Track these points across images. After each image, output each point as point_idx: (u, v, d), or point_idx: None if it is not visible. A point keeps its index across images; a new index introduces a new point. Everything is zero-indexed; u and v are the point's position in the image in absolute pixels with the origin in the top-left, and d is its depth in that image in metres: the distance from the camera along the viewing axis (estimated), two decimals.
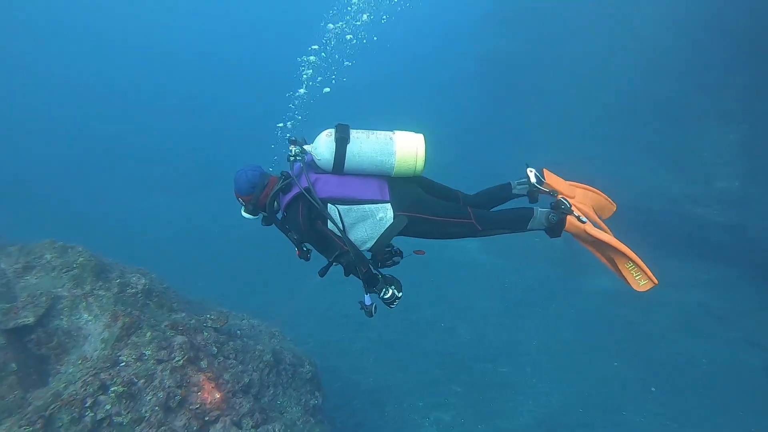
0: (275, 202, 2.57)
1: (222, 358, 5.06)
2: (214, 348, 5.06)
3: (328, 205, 2.42)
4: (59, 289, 4.78)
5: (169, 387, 4.37)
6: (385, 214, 2.45)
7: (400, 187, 2.52)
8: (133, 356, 4.47)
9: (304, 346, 7.38)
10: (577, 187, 2.80)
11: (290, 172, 2.56)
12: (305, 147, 2.54)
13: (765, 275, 10.29)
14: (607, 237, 2.50)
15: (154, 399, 4.27)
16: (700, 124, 11.53)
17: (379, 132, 2.49)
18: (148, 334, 4.64)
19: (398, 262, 2.57)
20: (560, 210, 2.56)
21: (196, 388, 4.53)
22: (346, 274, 2.54)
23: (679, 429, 7.49)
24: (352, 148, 2.41)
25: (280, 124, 4.13)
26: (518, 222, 2.59)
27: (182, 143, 24.82)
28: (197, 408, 4.45)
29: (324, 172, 2.50)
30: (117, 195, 18.61)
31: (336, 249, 2.44)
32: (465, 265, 12.76)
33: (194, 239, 15.19)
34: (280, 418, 5.19)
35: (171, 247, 13.83)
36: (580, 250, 2.74)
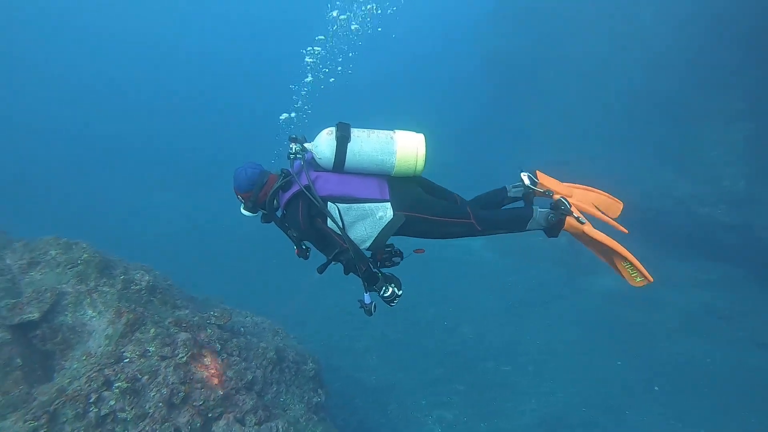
0: (275, 200, 2.57)
1: (225, 355, 5.06)
2: (217, 345, 5.07)
3: (328, 203, 2.42)
4: (64, 285, 4.80)
5: (172, 383, 4.38)
6: (384, 213, 2.45)
7: (399, 186, 2.52)
8: (137, 352, 4.48)
9: (306, 344, 7.39)
10: (575, 188, 2.80)
11: (290, 169, 2.56)
12: (306, 145, 2.54)
13: None
14: (605, 238, 2.52)
15: (158, 395, 4.28)
16: (705, 124, 11.47)
17: (380, 131, 2.49)
18: (152, 330, 4.66)
19: (398, 263, 2.57)
20: (560, 211, 2.57)
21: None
22: (346, 272, 2.54)
23: (683, 429, 7.46)
24: (352, 147, 2.41)
25: (284, 115, 4.12)
26: (517, 222, 2.60)
27: (183, 141, 24.89)
28: (201, 404, 4.46)
29: (324, 170, 2.50)
30: (118, 193, 18.68)
31: (336, 247, 2.44)
32: (468, 264, 12.75)
33: (195, 238, 15.22)
34: (283, 415, 5.19)
35: (172, 245, 13.86)
36: (583, 250, 2.74)
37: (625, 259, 2.52)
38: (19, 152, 21.09)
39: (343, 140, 2.40)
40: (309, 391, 5.87)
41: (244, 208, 2.66)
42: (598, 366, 8.86)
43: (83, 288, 4.81)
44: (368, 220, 2.45)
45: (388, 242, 2.55)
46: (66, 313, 4.66)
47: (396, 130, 2.51)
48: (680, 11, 11.59)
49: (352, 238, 2.44)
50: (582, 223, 2.55)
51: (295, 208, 2.46)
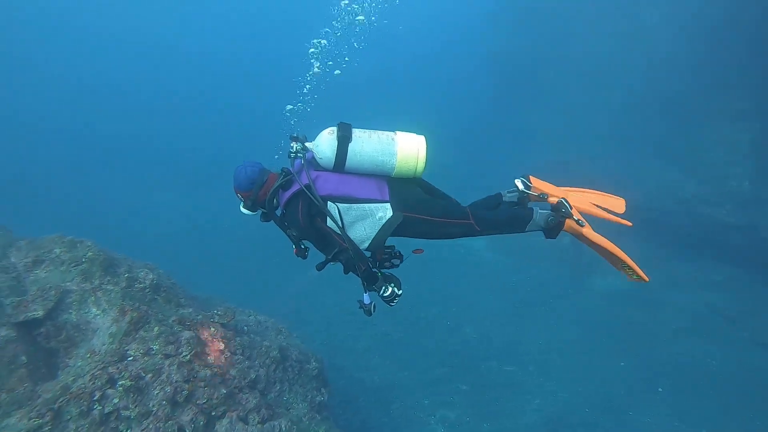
0: (275, 199, 2.57)
1: (229, 354, 5.07)
2: (221, 343, 5.07)
3: (328, 202, 2.43)
4: (68, 283, 4.81)
5: (176, 382, 4.39)
6: (384, 213, 2.46)
7: (399, 187, 2.53)
8: (141, 351, 4.50)
9: (309, 344, 7.39)
10: (570, 191, 2.81)
11: (291, 168, 2.55)
12: (306, 144, 2.54)
13: None
14: (603, 241, 2.55)
15: (162, 393, 4.29)
16: (709, 124, 11.41)
17: (381, 132, 2.50)
18: (156, 328, 4.67)
19: (397, 265, 2.57)
20: (560, 213, 2.58)
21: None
22: (346, 271, 2.54)
23: (687, 430, 7.43)
24: (353, 147, 2.42)
25: (289, 106, 4.12)
26: (517, 223, 2.60)
27: (184, 141, 24.93)
28: (204, 403, 4.47)
29: (324, 169, 2.51)
30: (118, 193, 18.69)
31: (335, 246, 2.44)
32: (471, 263, 12.74)
33: (195, 238, 15.23)
34: (286, 414, 5.19)
35: (173, 245, 13.86)
36: (586, 250, 2.75)
37: (623, 261, 2.57)
38: (20, 152, 21.15)
39: (344, 140, 2.41)
40: (312, 390, 5.87)
41: (243, 207, 2.66)
42: (601, 366, 8.84)
43: (87, 286, 4.83)
44: (368, 220, 2.45)
45: (389, 244, 2.56)
46: (70, 311, 4.68)
47: (397, 132, 2.51)
48: (684, 11, 11.53)
49: (351, 238, 2.44)
50: (581, 225, 2.56)
51: (295, 207, 2.47)
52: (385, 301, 2.50)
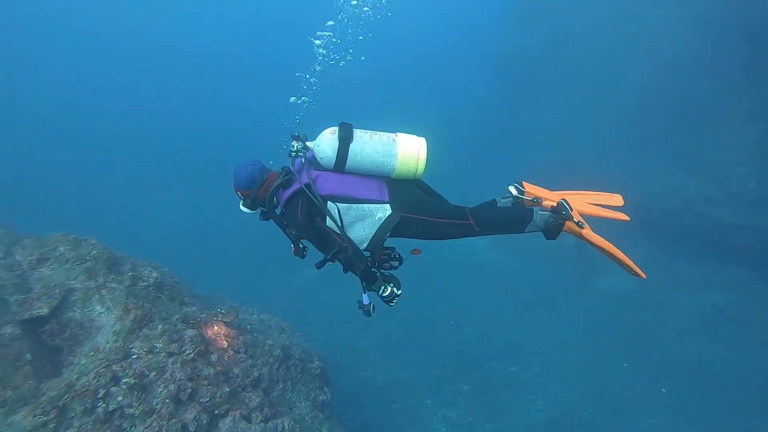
0: (274, 198, 2.57)
1: (232, 352, 5.08)
2: (224, 342, 5.08)
3: (328, 202, 2.43)
4: (72, 281, 4.83)
5: (179, 380, 4.41)
6: (383, 214, 2.46)
7: (399, 188, 2.53)
8: (145, 349, 4.51)
9: (311, 343, 7.40)
10: (565, 194, 2.82)
11: (291, 167, 2.56)
12: (307, 143, 2.54)
13: None
14: (602, 242, 2.58)
15: (165, 391, 4.30)
16: (716, 124, 11.34)
17: (382, 133, 2.50)
18: (160, 327, 4.69)
19: (396, 267, 2.57)
20: (560, 215, 2.58)
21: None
22: (345, 271, 2.55)
23: (690, 431, 7.39)
24: (354, 148, 2.42)
25: (293, 98, 4.11)
26: (517, 224, 2.61)
27: (185, 140, 24.97)
28: (207, 401, 4.48)
29: (325, 169, 2.51)
30: (119, 193, 18.74)
31: (334, 246, 2.44)
32: (473, 263, 12.73)
33: (195, 237, 15.25)
34: (289, 413, 5.20)
35: (173, 245, 13.84)
36: (590, 250, 2.75)
37: (622, 261, 2.61)
38: (20, 152, 21.24)
39: (345, 140, 2.41)
40: (315, 389, 5.88)
41: (243, 205, 2.66)
42: (605, 366, 8.81)
43: (92, 284, 4.85)
44: (367, 220, 2.46)
45: (389, 245, 2.56)
46: (74, 309, 4.70)
47: (398, 133, 2.52)
48: (692, 11, 11.45)
49: (350, 237, 2.44)
50: (581, 227, 2.58)
51: (294, 206, 2.47)
52: (384, 301, 2.50)
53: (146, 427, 4.10)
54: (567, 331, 9.91)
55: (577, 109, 14.85)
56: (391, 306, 2.53)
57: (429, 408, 7.92)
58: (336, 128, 2.46)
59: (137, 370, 4.29)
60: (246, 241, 13.79)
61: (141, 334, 4.62)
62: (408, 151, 2.45)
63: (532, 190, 2.76)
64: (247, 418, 4.70)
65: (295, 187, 2.47)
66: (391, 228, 2.46)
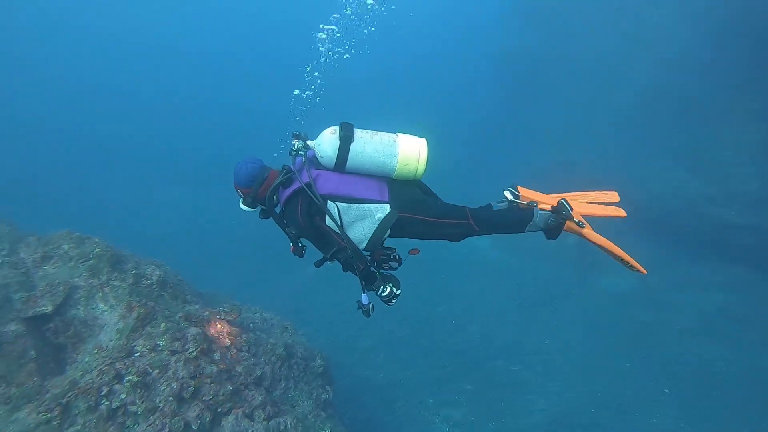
0: (275, 196, 2.57)
1: (235, 351, 5.09)
2: (227, 340, 5.09)
3: (328, 201, 2.43)
4: (76, 279, 4.85)
5: (182, 378, 4.42)
6: (383, 214, 2.46)
7: (399, 188, 2.53)
8: (148, 347, 4.53)
9: (313, 342, 7.41)
10: (560, 197, 2.82)
11: (291, 166, 2.56)
12: (308, 142, 2.54)
13: None
14: (603, 241, 2.60)
15: (168, 389, 4.31)
16: (719, 124, 11.30)
17: (383, 133, 2.50)
18: (163, 325, 4.70)
19: (395, 268, 2.57)
20: (561, 215, 2.58)
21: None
22: (344, 270, 2.55)
23: (693, 431, 7.37)
24: (355, 148, 2.41)
25: (297, 91, 4.11)
26: (516, 224, 2.61)
27: (186, 140, 24.98)
28: (210, 399, 4.49)
29: (325, 168, 2.51)
30: (119, 192, 18.76)
31: (334, 245, 2.44)
32: (475, 262, 12.70)
33: (195, 237, 15.25)
34: (291, 411, 5.21)
35: (173, 245, 13.83)
36: (593, 250, 2.76)
37: (623, 259, 2.64)
38: (21, 152, 21.29)
39: (346, 140, 2.41)
40: (317, 388, 5.89)
41: (243, 203, 2.66)
42: (608, 366, 8.78)
43: (95, 282, 4.86)
44: (367, 220, 2.45)
45: (390, 246, 2.57)
46: (78, 306, 4.71)
47: (399, 133, 2.52)
48: (693, 10, 11.42)
49: (350, 237, 2.45)
50: (581, 226, 2.58)
51: (294, 205, 2.47)
52: (383, 300, 2.50)
53: (149, 425, 4.11)
54: (569, 331, 9.88)
55: (578, 109, 14.82)
56: (390, 306, 2.54)
57: (431, 407, 7.92)
58: (337, 128, 2.46)
59: (140, 368, 4.31)
60: (246, 240, 13.80)
61: (144, 332, 4.64)
62: (408, 151, 2.45)
63: (527, 194, 2.77)
64: (250, 417, 4.72)
65: (295, 186, 2.47)
66: (390, 227, 2.46)
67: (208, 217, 16.67)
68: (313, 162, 2.54)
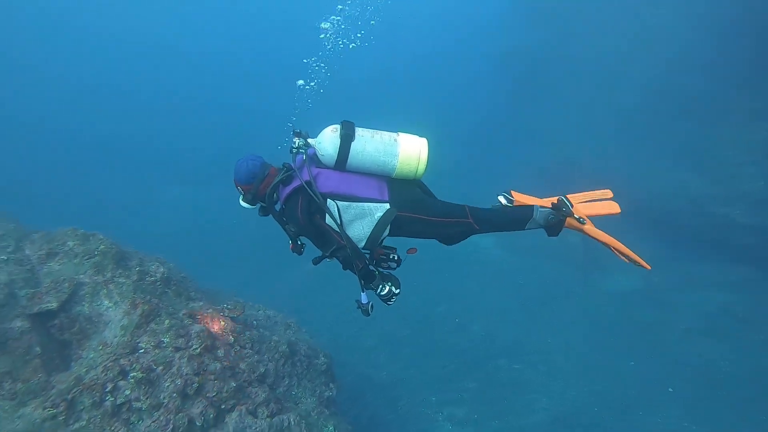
0: (275, 194, 2.57)
1: (238, 348, 5.10)
2: (230, 337, 5.10)
3: (328, 200, 2.43)
4: (81, 276, 4.87)
5: (186, 374, 4.44)
6: (382, 213, 2.46)
7: (399, 188, 2.53)
8: (152, 343, 4.54)
9: (316, 340, 7.41)
10: (556, 200, 2.79)
11: (292, 164, 2.56)
12: (309, 140, 2.54)
13: None
14: (605, 236, 2.58)
15: (172, 386, 4.33)
16: (723, 123, 11.21)
17: (384, 132, 2.49)
18: (167, 321, 4.72)
19: (394, 268, 2.57)
20: (561, 212, 2.57)
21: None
22: (344, 268, 2.55)
23: (697, 431, 7.34)
24: (356, 146, 2.41)
25: (301, 81, 4.09)
26: (517, 222, 2.61)
27: (187, 140, 25.02)
28: (214, 396, 4.51)
29: (326, 167, 2.51)
30: (119, 192, 18.82)
31: (333, 244, 2.45)
32: (478, 261, 12.67)
33: (195, 237, 15.26)
34: (294, 408, 5.22)
35: (173, 244, 13.81)
36: (596, 249, 2.73)
37: (625, 253, 2.61)
38: (21, 152, 21.39)
39: (347, 139, 2.40)
40: (321, 385, 5.90)
41: (243, 200, 2.66)
42: (611, 365, 8.76)
43: (100, 279, 4.88)
44: (366, 219, 2.45)
45: (390, 246, 2.57)
46: (83, 303, 4.73)
47: (400, 133, 2.51)
48: (698, 8, 11.31)
49: (349, 236, 2.44)
50: (582, 223, 2.57)
51: (294, 203, 2.47)
52: (382, 300, 2.50)
53: (153, 421, 4.13)
54: (572, 330, 9.86)
55: (580, 109, 14.76)
56: (389, 305, 2.54)
57: (434, 405, 7.92)
58: (338, 126, 2.45)
59: (145, 365, 4.33)
60: (246, 240, 13.80)
61: (148, 328, 4.66)
62: (409, 151, 2.45)
63: (521, 199, 2.76)
64: (254, 413, 4.73)
65: (295, 183, 2.47)
66: (388, 225, 2.46)
67: (208, 217, 16.70)
68: (314, 160, 2.54)
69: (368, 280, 2.49)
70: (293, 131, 2.55)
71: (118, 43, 34.71)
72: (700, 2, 11.39)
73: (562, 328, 9.95)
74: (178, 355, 4.53)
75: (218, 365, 4.68)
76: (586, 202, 2.74)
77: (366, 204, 2.45)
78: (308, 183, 2.41)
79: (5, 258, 4.83)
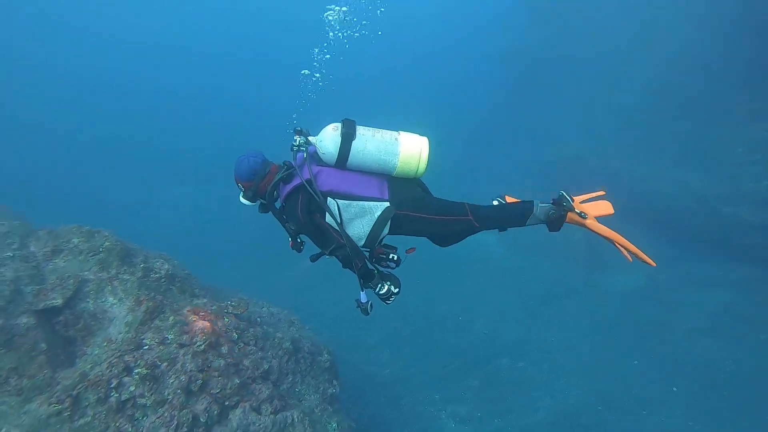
0: (275, 191, 2.57)
1: (242, 344, 5.11)
2: (234, 334, 5.11)
3: (328, 198, 2.43)
4: (86, 273, 4.88)
5: (190, 371, 4.44)
6: (382, 211, 2.46)
7: (399, 186, 2.53)
8: (156, 340, 4.55)
9: (319, 337, 7.42)
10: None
11: (293, 162, 2.55)
12: (309, 138, 2.54)
13: None
14: (608, 231, 2.56)
15: (177, 382, 4.34)
16: (728, 122, 11.19)
17: (384, 131, 2.49)
18: (171, 318, 4.73)
19: (393, 267, 2.57)
20: (562, 206, 2.56)
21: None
22: (343, 266, 2.55)
23: (701, 430, 7.32)
24: (356, 145, 2.40)
25: (305, 71, 4.09)
26: (517, 218, 2.59)
27: (188, 139, 25.05)
28: (218, 392, 4.51)
29: (326, 165, 2.51)
30: (119, 192, 18.84)
31: (333, 242, 2.45)
32: (481, 259, 12.65)
33: (195, 237, 15.26)
34: (298, 405, 5.23)
35: (173, 243, 13.79)
36: (599, 247, 2.73)
37: (628, 248, 2.58)
38: (21, 152, 21.43)
39: (347, 137, 2.40)
40: (324, 382, 5.90)
41: (243, 197, 2.65)
42: (614, 364, 8.74)
43: (104, 275, 4.90)
44: (366, 218, 2.45)
45: (391, 245, 2.57)
46: (88, 299, 4.75)
47: (401, 131, 2.51)
48: (698, 8, 11.31)
49: (349, 234, 2.44)
50: (584, 217, 2.55)
51: (294, 201, 2.47)
52: (380, 299, 2.50)
53: (158, 417, 4.14)
54: (575, 329, 9.85)
55: (586, 107, 14.74)
56: (387, 304, 2.53)
57: (437, 403, 7.93)
58: (339, 124, 2.45)
59: (149, 361, 4.34)
60: (246, 239, 13.80)
61: (152, 325, 4.67)
62: (410, 150, 2.44)
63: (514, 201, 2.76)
64: (257, 410, 4.74)
65: (296, 182, 2.47)
66: (387, 223, 2.46)
67: (208, 216, 16.72)
68: (314, 158, 2.53)
69: (367, 279, 2.49)
70: (294, 129, 2.55)
71: (118, 43, 34.73)
72: (700, 2, 11.38)
73: (564, 326, 9.94)
74: (182, 351, 4.54)
75: (222, 362, 4.69)
76: (581, 202, 2.72)
77: (366, 203, 2.45)
78: (309, 181, 2.41)
79: (11, 255, 4.85)
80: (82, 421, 3.94)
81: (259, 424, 4.65)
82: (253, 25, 39.33)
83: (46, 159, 21.48)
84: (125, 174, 20.99)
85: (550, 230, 2.63)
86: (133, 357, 4.34)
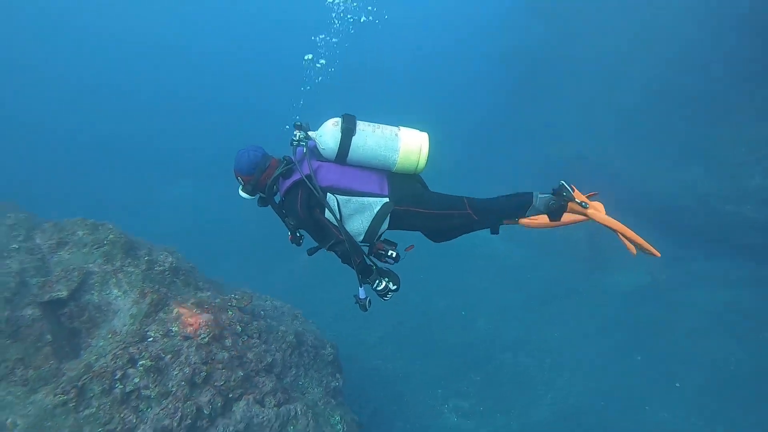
0: (275, 186, 2.57)
1: (246, 337, 5.12)
2: (238, 327, 5.13)
3: (328, 194, 2.43)
4: (90, 265, 4.90)
5: (194, 363, 4.46)
6: (380, 207, 2.47)
7: (399, 182, 2.53)
8: (161, 332, 4.57)
9: (323, 330, 7.42)
10: None
11: (292, 157, 2.55)
12: (309, 133, 2.54)
13: None
14: (611, 221, 2.51)
15: (181, 374, 4.36)
16: (731, 120, 11.21)
17: (385, 126, 2.49)
18: (175, 311, 4.74)
19: (391, 263, 2.56)
20: (562, 197, 2.53)
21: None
22: (342, 262, 2.55)
23: (704, 426, 7.34)
24: (356, 140, 2.41)
25: (308, 56, 4.08)
26: (517, 210, 2.58)
27: (188, 139, 25.05)
28: (222, 385, 4.53)
29: (326, 160, 2.51)
30: (119, 192, 18.84)
31: (332, 238, 2.45)
32: (484, 255, 12.63)
33: (195, 237, 15.24)
34: (301, 398, 5.24)
35: (174, 242, 13.81)
36: (602, 245, 2.72)
37: (631, 238, 2.52)
38: (21, 152, 21.45)
39: (348, 133, 2.40)
40: (327, 376, 5.92)
41: (242, 191, 2.65)
42: (617, 361, 8.74)
43: (109, 268, 4.91)
44: (366, 213, 2.46)
45: (391, 240, 2.56)
46: (92, 291, 4.76)
47: (401, 127, 2.52)
48: (702, 7, 11.35)
49: (348, 230, 2.45)
50: (585, 207, 2.51)
51: (294, 196, 2.47)
52: (378, 295, 2.50)
53: (162, 409, 4.16)
54: (578, 326, 9.85)
55: (583, 109, 14.77)
56: (384, 300, 2.53)
57: (440, 397, 7.94)
58: (339, 119, 2.45)
59: (153, 353, 4.35)
60: (246, 239, 13.80)
61: (157, 317, 4.69)
62: (410, 145, 2.45)
63: None
64: (261, 403, 4.75)
65: (295, 177, 2.46)
66: (386, 219, 2.46)
67: (208, 216, 16.72)
68: (314, 153, 2.53)
69: (365, 275, 2.48)
70: (294, 123, 2.55)
71: (118, 43, 34.73)
72: (700, 2, 11.42)
73: (567, 323, 9.94)
74: (186, 344, 4.55)
75: (226, 354, 4.70)
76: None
77: (366, 198, 2.45)
78: (308, 177, 2.41)
79: (17, 247, 4.87)
80: (87, 412, 3.96)
81: (263, 417, 4.66)
82: (253, 25, 39.35)
83: (47, 159, 21.49)
84: (126, 174, 20.99)
85: (550, 220, 2.60)
86: (138, 349, 4.36)
